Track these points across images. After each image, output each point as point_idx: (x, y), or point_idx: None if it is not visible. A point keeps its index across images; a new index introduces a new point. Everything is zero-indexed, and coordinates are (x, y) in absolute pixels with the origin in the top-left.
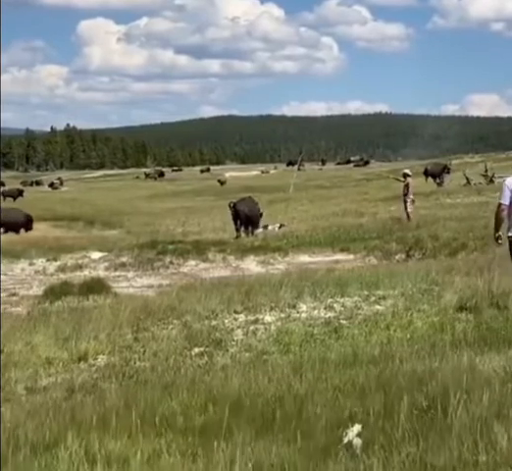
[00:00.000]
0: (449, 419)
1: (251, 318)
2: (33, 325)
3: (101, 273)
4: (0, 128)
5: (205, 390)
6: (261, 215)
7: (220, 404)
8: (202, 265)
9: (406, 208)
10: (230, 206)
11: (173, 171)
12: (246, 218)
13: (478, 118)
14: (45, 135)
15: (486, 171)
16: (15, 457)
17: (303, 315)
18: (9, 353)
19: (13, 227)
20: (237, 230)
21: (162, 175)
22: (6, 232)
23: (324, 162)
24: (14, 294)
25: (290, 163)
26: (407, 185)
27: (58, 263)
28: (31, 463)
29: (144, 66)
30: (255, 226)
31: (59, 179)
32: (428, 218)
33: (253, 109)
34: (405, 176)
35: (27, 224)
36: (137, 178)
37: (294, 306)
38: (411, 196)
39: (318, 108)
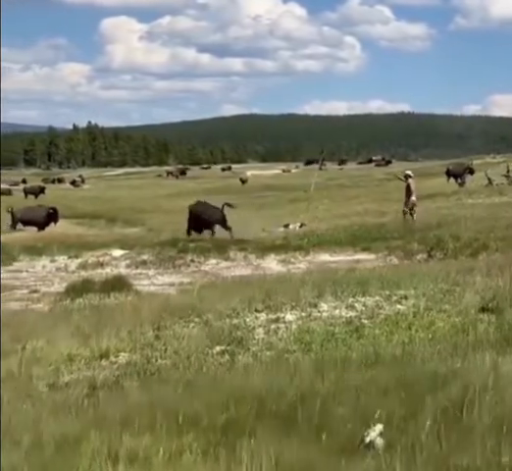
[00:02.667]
0: (472, 420)
1: (272, 317)
2: (55, 322)
3: (122, 270)
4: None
5: (227, 388)
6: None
7: (242, 403)
8: (223, 263)
9: (404, 208)
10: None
11: (201, 168)
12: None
13: (500, 118)
14: (67, 133)
15: (509, 171)
16: (38, 454)
17: (324, 314)
18: (31, 350)
19: (37, 224)
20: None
21: (183, 173)
22: (41, 229)
23: (343, 162)
24: (35, 291)
25: (309, 162)
26: (408, 187)
27: (79, 260)
28: (54, 460)
29: (166, 64)
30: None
31: (80, 176)
32: (449, 218)
33: (275, 108)
34: (407, 177)
35: (53, 217)
36: (159, 176)
37: (315, 305)
38: (413, 198)
39: (340, 107)
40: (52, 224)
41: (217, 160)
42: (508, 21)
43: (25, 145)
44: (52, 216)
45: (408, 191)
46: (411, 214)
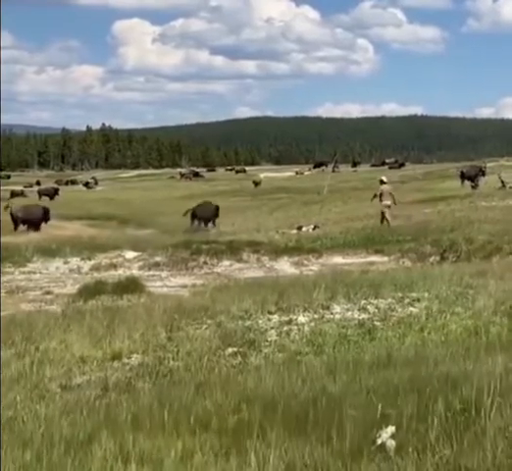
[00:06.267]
0: (483, 422)
1: (285, 319)
2: (68, 323)
3: (135, 272)
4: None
5: (239, 389)
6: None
7: (253, 404)
8: (236, 265)
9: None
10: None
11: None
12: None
13: None
14: (81, 135)
15: None
16: (49, 454)
17: (337, 316)
18: (43, 351)
19: (35, 223)
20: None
21: (197, 175)
22: (37, 228)
23: (355, 164)
24: (48, 293)
25: (318, 164)
26: (381, 192)
27: (92, 262)
28: (66, 460)
29: (180, 66)
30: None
31: (94, 178)
32: (462, 220)
33: (288, 110)
34: (381, 182)
35: (45, 216)
36: (172, 178)
37: (328, 307)
38: (387, 202)
39: (353, 110)
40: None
41: (231, 162)
42: None
43: (39, 147)
44: (45, 215)
45: (381, 196)
46: (384, 218)
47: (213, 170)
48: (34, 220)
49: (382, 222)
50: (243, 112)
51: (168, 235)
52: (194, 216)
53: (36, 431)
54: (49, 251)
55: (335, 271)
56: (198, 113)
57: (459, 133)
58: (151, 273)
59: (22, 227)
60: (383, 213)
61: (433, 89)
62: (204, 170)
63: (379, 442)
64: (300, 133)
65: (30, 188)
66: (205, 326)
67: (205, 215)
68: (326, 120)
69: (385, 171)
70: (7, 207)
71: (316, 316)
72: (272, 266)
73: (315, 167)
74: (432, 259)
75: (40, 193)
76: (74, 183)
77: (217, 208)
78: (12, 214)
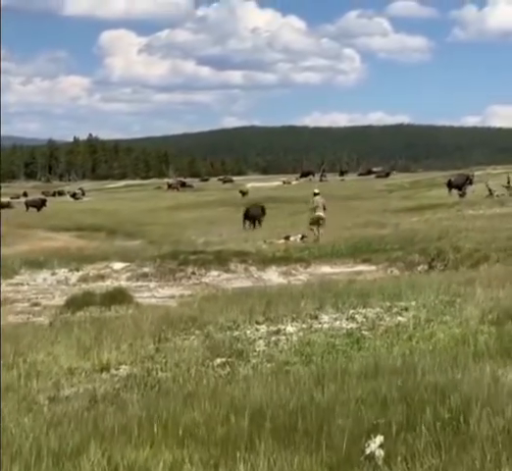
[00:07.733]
0: (472, 431)
1: (273, 329)
2: (55, 335)
3: (123, 283)
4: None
5: (227, 400)
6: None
7: (242, 415)
8: (224, 275)
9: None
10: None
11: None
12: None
13: (500, 129)
14: (68, 146)
15: (509, 182)
16: (37, 467)
17: (325, 326)
18: (31, 363)
19: None
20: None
21: (184, 185)
22: None
23: (343, 173)
24: (36, 304)
25: (305, 174)
26: (316, 205)
27: (80, 273)
28: None
29: (166, 77)
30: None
31: (81, 189)
32: (450, 229)
33: (275, 120)
34: (315, 194)
35: None
36: (159, 188)
37: (316, 317)
38: (319, 213)
39: (340, 119)
40: None
41: (218, 172)
42: (505, 32)
43: (26, 158)
44: None
45: (315, 208)
46: (317, 228)
47: (206, 180)
48: None
49: (318, 231)
50: (230, 122)
51: (155, 246)
52: (247, 216)
53: (24, 443)
54: (37, 263)
55: (323, 280)
56: (185, 123)
57: (446, 142)
58: (139, 284)
59: None
60: (316, 223)
61: (419, 98)
62: (196, 180)
63: (367, 451)
64: (287, 143)
65: (17, 200)
66: (193, 336)
67: (256, 214)
68: (313, 129)
69: (372, 180)
70: None
71: (304, 326)
72: (260, 276)
73: (302, 176)
74: (419, 268)
75: (27, 204)
76: (61, 193)
77: (263, 209)
78: None
